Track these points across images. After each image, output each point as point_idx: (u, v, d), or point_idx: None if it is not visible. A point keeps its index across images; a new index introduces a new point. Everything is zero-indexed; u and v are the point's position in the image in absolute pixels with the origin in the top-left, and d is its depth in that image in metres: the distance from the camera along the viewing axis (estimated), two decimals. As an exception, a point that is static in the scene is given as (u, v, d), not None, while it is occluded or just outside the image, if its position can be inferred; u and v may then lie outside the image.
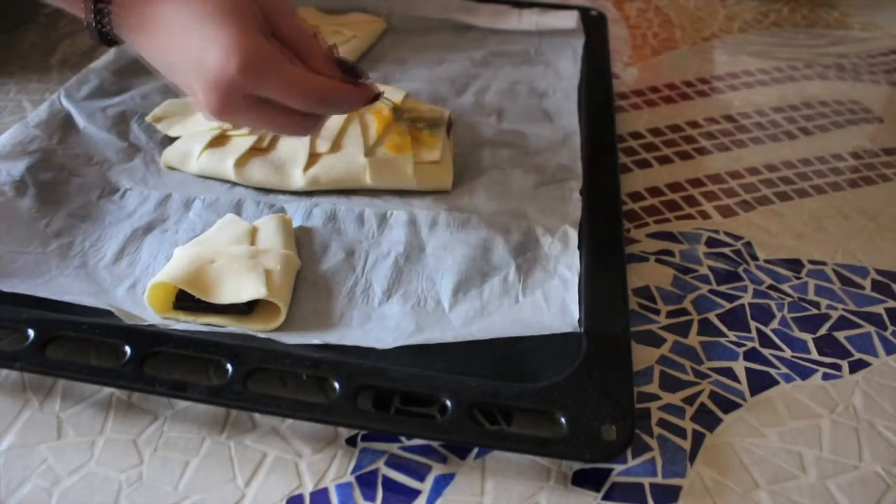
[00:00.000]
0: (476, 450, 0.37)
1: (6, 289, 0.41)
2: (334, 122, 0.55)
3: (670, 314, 0.46)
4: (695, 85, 0.73)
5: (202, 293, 0.41)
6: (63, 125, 0.55)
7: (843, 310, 0.47)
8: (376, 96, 0.45)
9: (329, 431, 0.37)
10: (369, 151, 0.53)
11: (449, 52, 0.72)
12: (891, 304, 0.48)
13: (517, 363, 0.39)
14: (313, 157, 0.52)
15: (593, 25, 0.76)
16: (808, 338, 0.45)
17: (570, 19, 0.76)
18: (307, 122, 0.43)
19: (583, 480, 0.36)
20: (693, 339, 0.44)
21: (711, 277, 0.49)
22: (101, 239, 0.46)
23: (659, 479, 0.36)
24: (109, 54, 0.64)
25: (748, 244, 0.52)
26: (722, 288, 0.48)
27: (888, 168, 0.62)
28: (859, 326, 0.46)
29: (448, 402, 0.36)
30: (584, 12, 0.78)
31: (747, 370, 0.42)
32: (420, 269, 0.46)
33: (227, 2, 0.38)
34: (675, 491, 0.35)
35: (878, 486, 0.36)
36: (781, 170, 0.61)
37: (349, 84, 0.43)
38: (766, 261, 0.51)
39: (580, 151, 0.56)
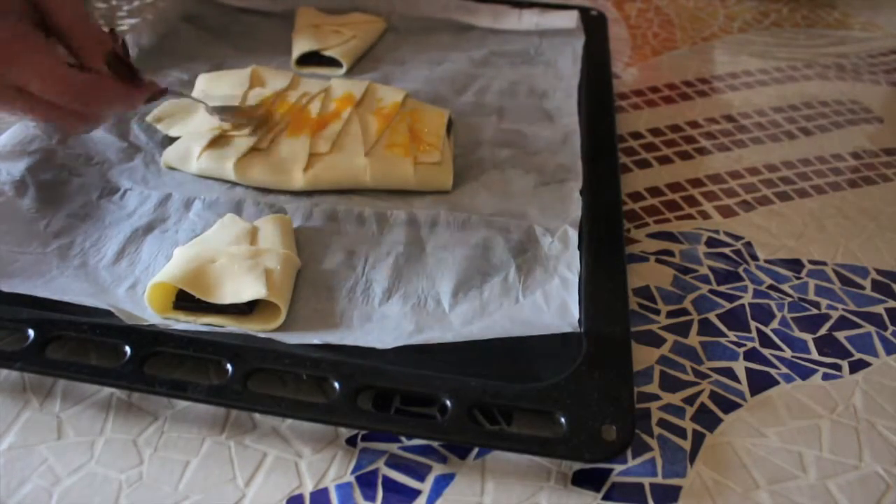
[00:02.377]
0: (476, 450, 0.37)
1: (6, 289, 0.41)
2: (334, 122, 0.55)
3: (670, 314, 0.46)
4: (695, 85, 0.73)
5: (202, 293, 0.41)
6: (63, 125, 0.55)
7: (844, 310, 0.47)
8: (156, 94, 0.44)
9: (329, 431, 0.37)
10: (369, 151, 0.53)
11: (449, 52, 0.72)
12: (891, 304, 0.48)
13: (517, 363, 0.39)
14: (313, 158, 0.52)
15: (593, 25, 0.76)
16: (808, 338, 0.45)
17: (570, 19, 0.76)
18: (79, 118, 0.42)
19: (583, 480, 0.36)
20: (693, 339, 0.44)
21: (711, 277, 0.49)
22: (102, 239, 0.46)
23: (659, 479, 0.36)
24: (109, 54, 0.64)
25: (748, 244, 0.52)
26: (722, 288, 0.48)
27: (888, 168, 0.62)
28: (859, 326, 0.46)
29: (448, 402, 0.36)
30: (584, 12, 0.78)
31: (747, 370, 0.42)
32: (420, 269, 0.46)
33: None
34: (675, 491, 0.35)
35: (878, 486, 0.36)
36: (781, 170, 0.61)
37: (121, 83, 0.41)
38: (767, 261, 0.51)
39: (580, 151, 0.56)
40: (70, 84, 0.39)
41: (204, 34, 0.72)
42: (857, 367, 0.43)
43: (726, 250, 0.51)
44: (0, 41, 0.37)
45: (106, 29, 0.44)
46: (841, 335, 0.45)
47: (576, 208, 0.50)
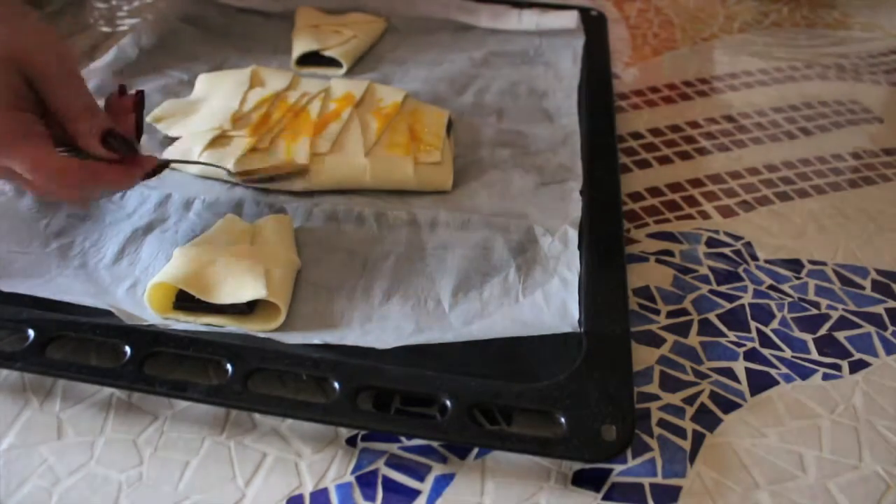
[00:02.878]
0: (476, 450, 0.37)
1: (6, 289, 0.41)
2: (334, 122, 0.55)
3: (670, 314, 0.46)
4: (695, 85, 0.73)
5: (202, 293, 0.41)
6: (63, 125, 0.55)
7: (843, 310, 0.47)
8: (155, 170, 0.43)
9: (329, 431, 0.37)
10: (369, 152, 0.53)
11: (449, 52, 0.72)
12: (891, 304, 0.48)
13: (517, 363, 0.39)
14: (314, 158, 0.52)
15: (593, 25, 0.76)
16: (808, 338, 0.45)
17: (570, 19, 0.76)
18: (73, 199, 0.42)
19: (583, 480, 0.36)
20: (693, 339, 0.44)
21: (711, 277, 0.49)
22: (101, 239, 0.46)
23: (659, 480, 0.36)
24: (109, 54, 0.64)
25: (748, 244, 0.52)
26: (722, 288, 0.48)
27: (888, 168, 0.62)
28: (859, 326, 0.46)
29: (448, 402, 0.36)
30: (584, 12, 0.78)
31: (747, 370, 0.42)
32: (420, 269, 0.46)
33: None
34: (675, 491, 0.35)
35: (878, 486, 0.36)
36: (781, 170, 0.61)
37: (116, 167, 0.41)
38: (766, 261, 0.51)
39: (580, 151, 0.56)
40: (62, 174, 0.39)
41: (204, 34, 0.72)
42: (857, 367, 0.43)
43: (726, 250, 0.51)
44: (2, 132, 0.37)
45: (131, 92, 0.44)
46: (841, 335, 0.45)
47: (576, 208, 0.50)
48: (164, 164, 0.45)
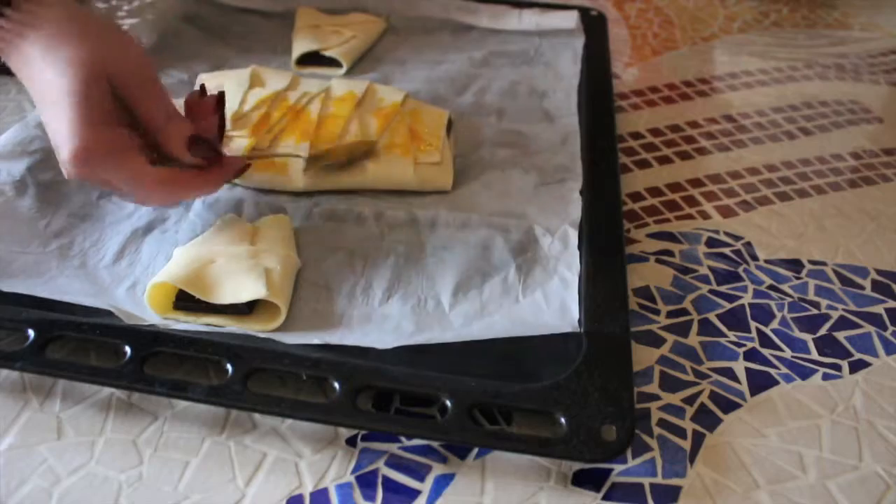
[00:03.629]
0: (476, 450, 0.37)
1: (6, 289, 0.41)
2: (334, 123, 0.55)
3: (670, 314, 0.46)
4: (695, 85, 0.73)
5: (202, 293, 0.41)
6: (63, 125, 0.54)
7: (843, 310, 0.47)
8: (242, 169, 0.45)
9: (329, 431, 0.37)
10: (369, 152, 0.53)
11: (449, 52, 0.72)
12: (891, 304, 0.48)
13: (517, 363, 0.39)
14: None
15: (593, 25, 0.76)
16: (808, 338, 0.45)
17: (570, 19, 0.76)
18: (168, 200, 0.45)
19: (583, 480, 0.36)
20: (693, 339, 0.44)
21: (711, 277, 0.49)
22: (101, 239, 0.46)
23: (659, 480, 0.36)
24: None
25: (748, 244, 0.52)
26: (722, 288, 0.48)
27: (888, 168, 0.62)
28: (859, 326, 0.46)
29: (448, 402, 0.36)
30: (584, 12, 0.78)
31: (747, 370, 0.42)
32: (420, 269, 0.46)
33: (78, 82, 0.38)
34: (675, 491, 0.35)
35: (878, 486, 0.36)
36: (781, 170, 0.61)
37: (202, 169, 0.43)
38: (766, 261, 0.51)
39: (580, 151, 0.56)
40: (156, 183, 0.41)
41: (204, 34, 0.72)
42: (857, 367, 0.43)
43: (726, 250, 0.51)
44: (99, 147, 0.39)
45: (212, 93, 0.45)
46: (841, 335, 0.45)
47: (576, 208, 0.50)
48: (247, 166, 0.46)
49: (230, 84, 0.58)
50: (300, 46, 0.68)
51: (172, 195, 0.43)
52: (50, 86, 0.39)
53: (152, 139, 0.42)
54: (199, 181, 0.43)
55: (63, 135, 0.38)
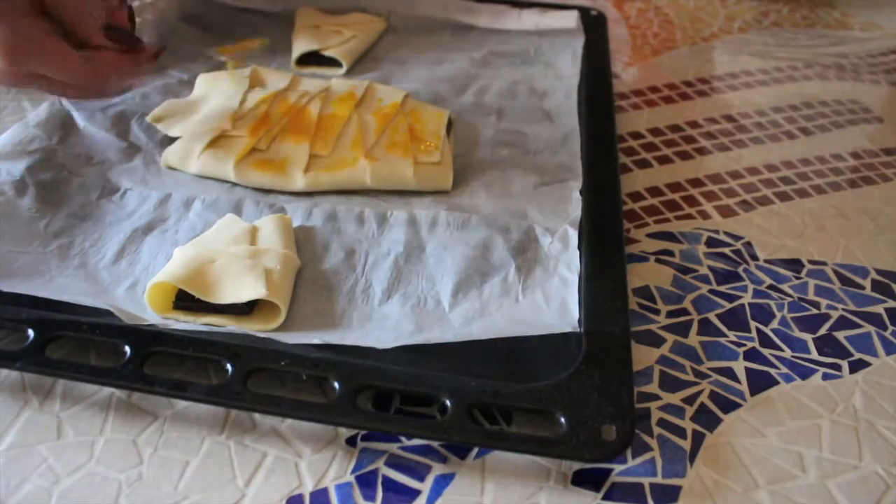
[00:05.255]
0: (476, 450, 0.37)
1: (6, 289, 0.41)
2: (334, 122, 0.55)
3: (670, 314, 0.46)
4: (695, 85, 0.73)
5: (202, 293, 0.41)
6: (63, 125, 0.54)
7: (843, 310, 0.47)
8: (158, 51, 0.49)
9: (329, 431, 0.37)
10: (369, 152, 0.53)
11: (449, 52, 0.72)
12: (891, 304, 0.48)
13: (517, 363, 0.39)
14: (314, 158, 0.52)
15: (593, 25, 0.76)
16: (808, 338, 0.45)
17: (570, 19, 0.76)
18: (93, 92, 0.48)
19: (583, 480, 0.36)
20: (693, 339, 0.44)
21: (711, 277, 0.49)
22: (101, 239, 0.46)
23: (659, 479, 0.36)
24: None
25: (748, 244, 0.52)
26: (722, 288, 0.48)
27: (888, 168, 0.62)
28: (859, 326, 0.46)
29: (448, 402, 0.36)
30: (584, 12, 0.78)
31: (747, 370, 0.42)
32: (420, 269, 0.46)
33: None
34: (675, 491, 0.35)
35: (878, 486, 0.36)
36: (781, 170, 0.61)
37: (121, 53, 0.47)
38: (766, 261, 0.51)
39: (580, 151, 0.56)
40: (82, 61, 0.43)
41: (204, 34, 0.72)
42: (856, 367, 0.43)
43: (726, 250, 0.51)
44: (19, 39, 0.40)
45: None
46: (841, 335, 0.45)
47: (576, 208, 0.50)
48: (163, 48, 0.51)
49: (230, 84, 0.58)
50: (300, 46, 0.68)
51: (101, 74, 0.46)
52: None
53: (70, 34, 0.44)
54: (125, 59, 0.46)
55: None
